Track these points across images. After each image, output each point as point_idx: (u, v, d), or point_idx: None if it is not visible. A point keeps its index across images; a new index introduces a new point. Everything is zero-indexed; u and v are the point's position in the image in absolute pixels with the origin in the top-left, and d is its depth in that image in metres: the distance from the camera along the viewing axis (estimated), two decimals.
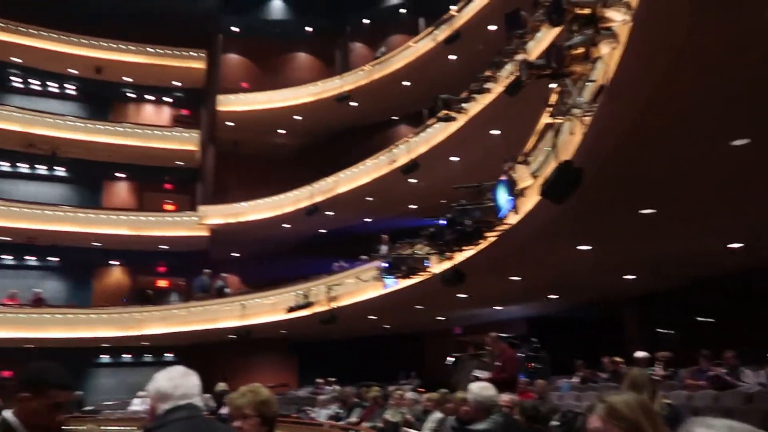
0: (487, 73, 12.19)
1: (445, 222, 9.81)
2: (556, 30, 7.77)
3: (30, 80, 24.13)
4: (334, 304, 15.76)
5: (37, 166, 23.05)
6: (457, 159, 15.22)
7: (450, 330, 19.44)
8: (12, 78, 23.78)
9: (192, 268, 21.98)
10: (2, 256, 21.69)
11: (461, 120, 13.46)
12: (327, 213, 20.02)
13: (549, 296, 14.42)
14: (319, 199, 19.65)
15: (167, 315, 19.73)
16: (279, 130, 23.99)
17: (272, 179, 22.73)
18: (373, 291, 14.71)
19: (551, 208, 6.97)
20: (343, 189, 19.12)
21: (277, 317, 17.76)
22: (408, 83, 19.94)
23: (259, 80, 24.83)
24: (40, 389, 1.89)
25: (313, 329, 17.42)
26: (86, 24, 23.54)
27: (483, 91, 12.47)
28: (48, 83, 24.42)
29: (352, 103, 21.14)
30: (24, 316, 18.99)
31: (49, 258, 22.17)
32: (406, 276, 12.35)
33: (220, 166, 24.12)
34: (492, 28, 15.00)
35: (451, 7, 16.61)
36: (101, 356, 20.84)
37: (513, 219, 8.72)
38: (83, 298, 21.82)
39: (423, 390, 10.00)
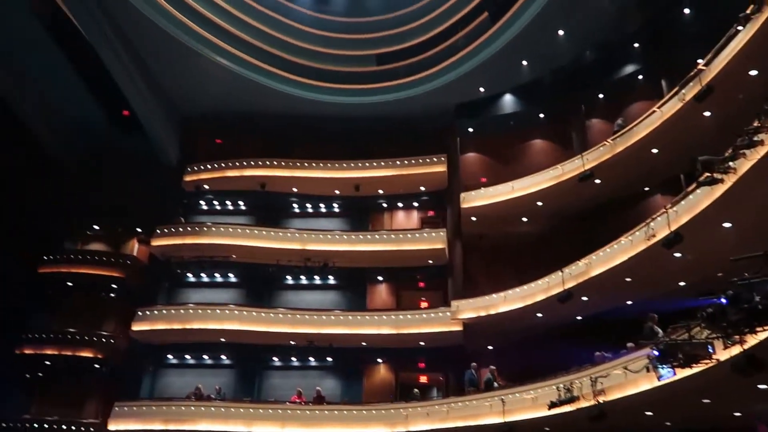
0: (756, 124, 10.54)
1: (726, 300, 8.32)
2: None
3: (305, 204, 28.60)
4: (602, 399, 14.20)
5: (312, 276, 26.50)
6: (729, 225, 13.12)
7: (753, 427, 15.88)
8: (292, 205, 28.56)
9: (449, 363, 22.30)
10: (290, 358, 24.95)
11: (729, 180, 11.67)
12: (582, 298, 18.74)
13: None
14: (571, 284, 18.55)
15: (430, 411, 20.02)
16: (522, 218, 23.84)
17: (520, 268, 22.40)
18: (646, 383, 12.92)
19: None
20: (597, 271, 17.78)
21: (539, 413, 16.66)
22: (656, 150, 18.30)
23: (498, 173, 25.37)
24: None
25: (581, 427, 15.84)
26: (345, 150, 27.56)
27: (752, 144, 10.72)
28: (319, 205, 28.59)
29: (596, 181, 20.12)
30: (308, 413, 21.17)
31: (325, 358, 24.73)
32: (684, 365, 10.58)
33: (467, 260, 24.76)
34: (752, 73, 13.22)
35: (698, 60, 15.11)
36: None
37: None
38: (355, 395, 23.59)
39: None
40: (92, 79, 25.31)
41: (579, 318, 20.25)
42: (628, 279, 17.35)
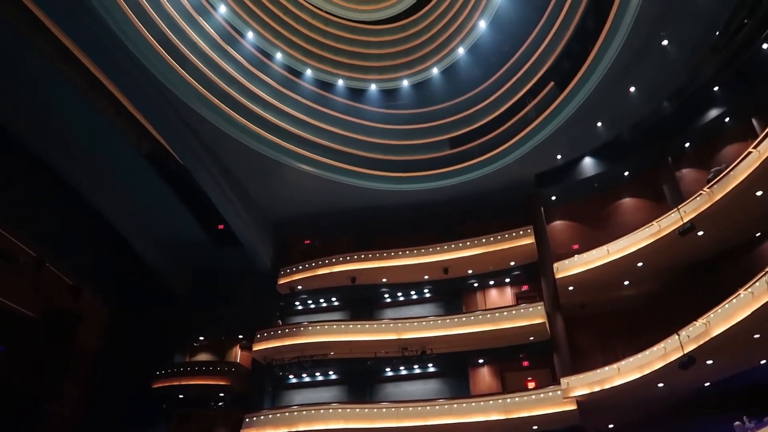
0: None
1: None
2: None
3: (397, 293, 28.59)
4: None
5: (411, 366, 25.93)
6: None
7: None
8: (384, 295, 28.64)
9: None
10: None
11: None
12: (707, 362, 16.99)
13: None
14: (691, 347, 16.90)
15: None
16: (624, 282, 22.50)
17: (631, 335, 20.95)
18: None
19: None
20: (718, 330, 16.18)
21: None
22: (761, 192, 17.05)
23: (589, 237, 24.48)
24: None
25: None
26: (430, 234, 27.75)
27: None
28: (410, 292, 28.48)
29: (698, 233, 18.85)
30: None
31: None
32: None
33: (571, 332, 23.44)
34: None
35: None
36: None
37: None
38: None
39: None
40: (188, 197, 27.39)
41: (707, 384, 18.30)
42: (756, 336, 15.68)
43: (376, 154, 30.04)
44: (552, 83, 25.72)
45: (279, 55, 31.24)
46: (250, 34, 30.02)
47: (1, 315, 21.70)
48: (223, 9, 28.75)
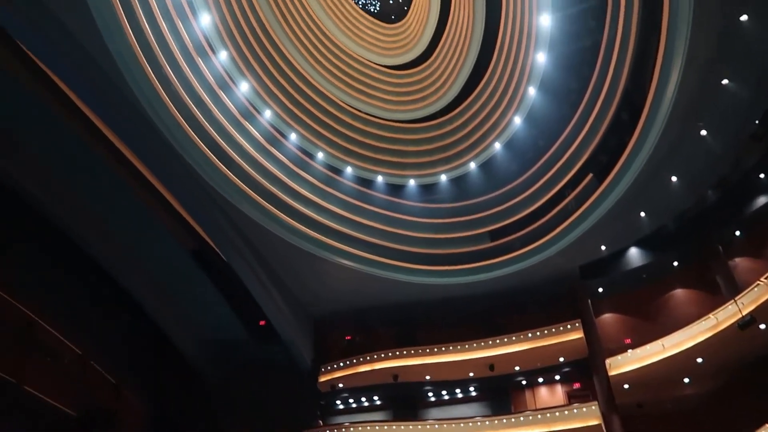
0: None
1: None
2: None
3: (441, 391, 27.53)
4: None
5: None
6: None
7: None
8: (427, 393, 27.60)
9: None
10: None
11: None
12: None
13: None
14: None
15: None
16: (683, 379, 21.16)
17: None
18: None
19: None
20: None
21: None
22: None
23: (641, 331, 23.40)
24: None
25: None
26: (473, 329, 27.06)
27: None
28: (454, 390, 27.40)
29: (760, 326, 17.83)
30: None
31: None
32: None
33: None
34: None
35: None
36: None
37: None
38: None
39: None
40: (229, 293, 27.64)
41: None
42: None
43: (416, 247, 30.13)
44: (590, 175, 25.74)
45: (320, 155, 32.43)
46: (293, 135, 31.45)
47: (39, 410, 21.62)
48: (268, 113, 30.39)
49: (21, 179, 20.08)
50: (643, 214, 24.07)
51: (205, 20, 26.22)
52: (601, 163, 24.87)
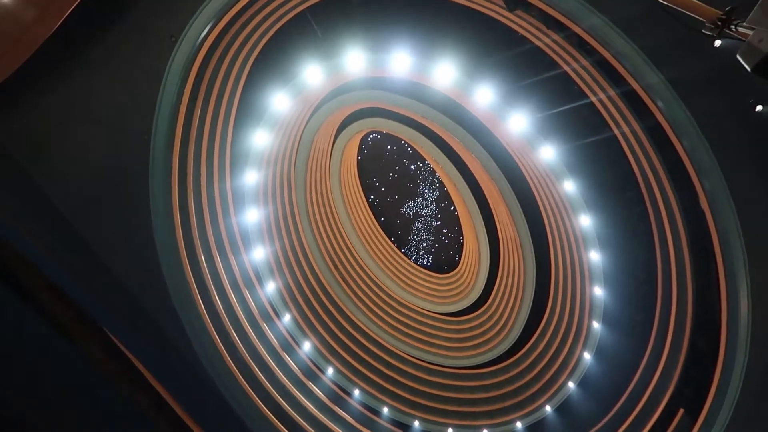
0: None
1: None
2: None
3: None
4: None
5: None
6: None
7: None
8: None
9: None
10: None
11: None
12: None
13: None
14: None
15: None
16: None
17: None
18: None
19: None
20: None
21: None
22: None
23: None
24: None
25: None
26: None
27: None
28: None
29: None
30: None
31: None
32: None
33: None
34: None
35: None
36: None
37: None
38: None
39: None
40: None
41: None
42: None
43: None
44: (682, 410, 23.31)
45: (385, 409, 31.20)
46: (356, 392, 30.81)
47: None
48: (330, 371, 30.37)
49: None
50: None
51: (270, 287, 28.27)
52: (688, 398, 22.71)
